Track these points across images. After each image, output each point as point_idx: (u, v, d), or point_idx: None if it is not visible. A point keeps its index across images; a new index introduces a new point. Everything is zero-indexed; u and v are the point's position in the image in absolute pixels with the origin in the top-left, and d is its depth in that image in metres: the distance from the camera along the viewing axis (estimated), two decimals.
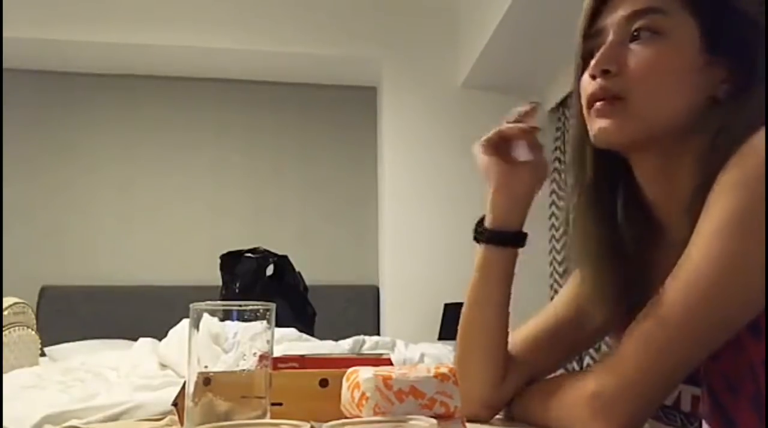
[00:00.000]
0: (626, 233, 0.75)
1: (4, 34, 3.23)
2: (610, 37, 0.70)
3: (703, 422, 0.71)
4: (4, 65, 3.38)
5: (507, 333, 0.84)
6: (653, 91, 0.67)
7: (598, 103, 0.69)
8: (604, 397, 0.63)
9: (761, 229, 0.58)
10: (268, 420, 0.55)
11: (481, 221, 0.84)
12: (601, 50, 0.69)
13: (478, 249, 0.82)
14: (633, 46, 0.68)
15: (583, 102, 0.72)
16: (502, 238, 0.81)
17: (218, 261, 3.11)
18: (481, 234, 0.83)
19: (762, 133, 0.60)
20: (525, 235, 0.81)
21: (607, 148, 0.72)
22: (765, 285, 0.59)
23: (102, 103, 3.82)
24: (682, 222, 0.65)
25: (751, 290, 0.59)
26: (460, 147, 3.75)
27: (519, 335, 0.87)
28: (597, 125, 0.69)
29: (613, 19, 0.70)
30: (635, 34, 0.68)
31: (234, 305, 0.57)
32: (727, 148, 0.62)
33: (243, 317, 0.57)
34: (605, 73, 0.68)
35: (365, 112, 4.04)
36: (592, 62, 0.69)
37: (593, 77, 0.69)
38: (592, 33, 0.73)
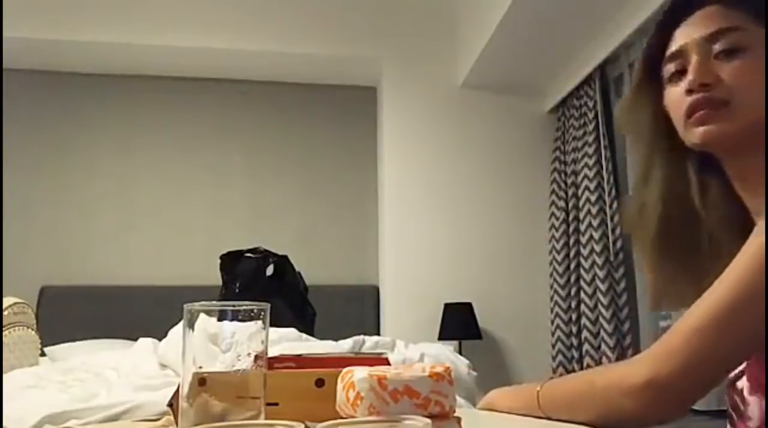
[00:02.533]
0: (712, 225, 0.84)
1: (4, 34, 3.23)
2: (696, 56, 0.80)
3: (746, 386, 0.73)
4: (4, 65, 3.39)
5: None
6: (752, 94, 0.77)
7: (701, 112, 0.78)
8: (658, 385, 0.65)
9: None
10: (262, 420, 0.55)
11: None
12: (695, 67, 0.80)
13: None
14: (725, 62, 0.78)
15: (680, 113, 0.82)
16: None
17: (218, 261, 3.10)
18: None
19: None
20: None
21: (707, 150, 0.81)
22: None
23: (102, 103, 3.82)
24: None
25: None
26: (459, 146, 3.77)
27: None
28: (702, 128, 0.79)
29: (691, 42, 0.82)
30: (721, 50, 0.79)
31: (228, 305, 0.57)
32: None
33: (238, 317, 0.57)
34: (704, 86, 0.78)
35: (365, 112, 4.05)
36: (689, 78, 0.80)
37: (690, 92, 0.79)
38: (670, 56, 0.84)
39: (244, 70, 3.89)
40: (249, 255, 2.98)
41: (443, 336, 3.32)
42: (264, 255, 3.00)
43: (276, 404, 0.62)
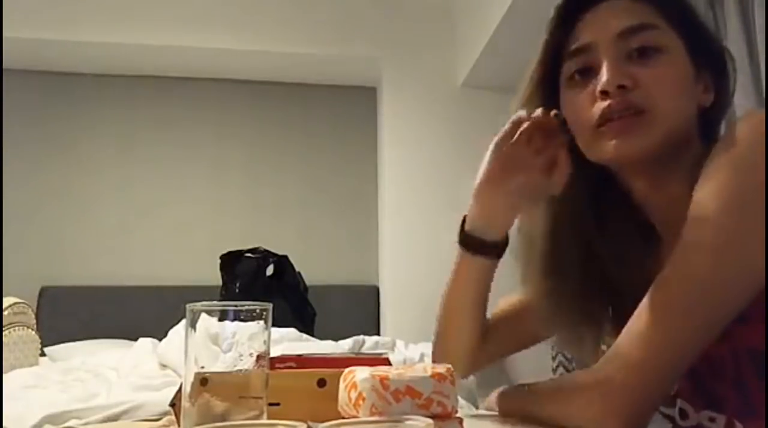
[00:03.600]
0: (613, 244, 0.77)
1: (4, 34, 3.23)
2: (609, 54, 0.70)
3: (680, 401, 0.71)
4: (4, 65, 3.38)
5: (483, 317, 0.87)
6: (671, 102, 0.69)
7: (618, 120, 0.69)
8: (614, 391, 0.62)
9: (755, 208, 0.58)
10: (264, 420, 0.55)
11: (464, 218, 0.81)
12: (609, 67, 0.69)
13: (457, 253, 0.81)
14: (640, 63, 0.69)
15: (586, 121, 0.72)
16: (479, 247, 0.78)
17: (218, 261, 3.11)
18: (459, 234, 0.81)
19: (747, 117, 0.63)
20: (505, 244, 0.78)
21: (623, 162, 0.72)
22: (765, 272, 0.59)
23: (102, 103, 3.82)
24: (678, 227, 0.65)
25: (749, 271, 0.60)
26: (460, 146, 3.76)
27: (502, 305, 0.92)
28: (616, 141, 0.69)
29: (602, 36, 0.71)
30: (636, 49, 0.70)
31: (231, 305, 0.57)
32: None
33: (240, 317, 0.57)
34: (621, 88, 0.68)
35: (365, 112, 4.04)
36: (604, 78, 0.69)
37: (604, 93, 0.69)
38: (574, 51, 0.73)
39: (244, 70, 3.88)
40: (249, 255, 2.99)
41: None
42: (264, 256, 3.01)
43: (278, 404, 0.62)
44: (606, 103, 0.69)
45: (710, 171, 0.62)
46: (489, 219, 0.79)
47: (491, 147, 0.80)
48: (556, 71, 0.76)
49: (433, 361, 0.83)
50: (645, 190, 0.74)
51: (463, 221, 0.81)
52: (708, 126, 0.74)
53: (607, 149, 0.70)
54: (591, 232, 0.78)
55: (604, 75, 0.69)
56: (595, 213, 0.79)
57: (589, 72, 0.72)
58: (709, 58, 0.74)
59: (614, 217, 0.78)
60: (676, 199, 0.69)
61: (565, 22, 0.75)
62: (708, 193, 0.62)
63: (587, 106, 0.71)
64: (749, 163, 0.60)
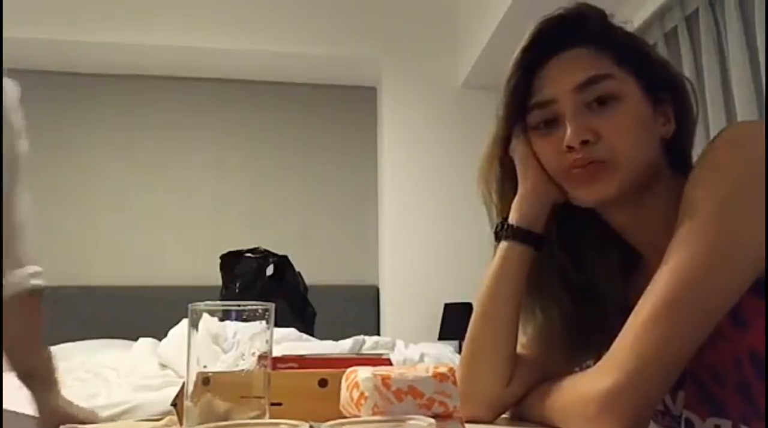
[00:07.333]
0: (600, 273, 0.83)
1: (4, 34, 3.23)
2: (570, 108, 0.75)
3: (686, 411, 0.72)
4: (5, 65, 3.38)
5: (516, 333, 0.85)
6: (632, 150, 0.74)
7: (580, 169, 0.75)
8: (608, 394, 0.64)
9: (742, 211, 0.63)
10: (267, 420, 0.55)
11: (503, 221, 0.87)
12: (572, 123, 0.74)
13: (500, 246, 0.85)
14: (600, 112, 0.74)
15: (559, 169, 0.77)
16: (526, 236, 0.82)
17: (218, 261, 3.11)
18: (505, 230, 0.84)
19: (732, 126, 0.71)
20: (545, 239, 0.83)
21: (595, 206, 0.78)
22: (766, 279, 0.61)
23: (102, 103, 3.82)
24: (662, 247, 0.69)
25: (735, 274, 0.64)
26: (460, 146, 3.76)
27: (526, 336, 0.90)
28: (585, 189, 0.76)
29: (561, 90, 0.76)
30: (597, 100, 0.75)
31: (233, 305, 0.57)
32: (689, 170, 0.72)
33: (242, 317, 0.57)
34: (584, 143, 0.73)
35: (365, 112, 4.04)
36: (568, 134, 0.74)
37: (570, 148, 0.74)
38: (537, 104, 0.78)
39: (244, 70, 3.88)
40: (249, 255, 2.98)
41: (443, 336, 3.32)
42: (264, 256, 3.00)
43: (279, 404, 0.62)
44: (573, 157, 0.75)
45: (697, 176, 0.67)
46: (534, 218, 0.84)
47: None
48: (520, 118, 0.82)
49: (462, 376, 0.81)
50: (622, 219, 0.79)
51: (503, 220, 0.86)
52: (674, 152, 0.79)
53: (578, 195, 0.77)
54: (568, 266, 0.84)
55: (568, 130, 0.74)
56: (571, 245, 0.85)
57: (553, 122, 0.77)
58: (667, 91, 0.78)
59: (593, 245, 0.84)
60: (653, 222, 0.76)
61: (525, 76, 0.79)
62: (697, 198, 0.66)
63: (556, 154, 0.77)
64: (734, 166, 0.65)
